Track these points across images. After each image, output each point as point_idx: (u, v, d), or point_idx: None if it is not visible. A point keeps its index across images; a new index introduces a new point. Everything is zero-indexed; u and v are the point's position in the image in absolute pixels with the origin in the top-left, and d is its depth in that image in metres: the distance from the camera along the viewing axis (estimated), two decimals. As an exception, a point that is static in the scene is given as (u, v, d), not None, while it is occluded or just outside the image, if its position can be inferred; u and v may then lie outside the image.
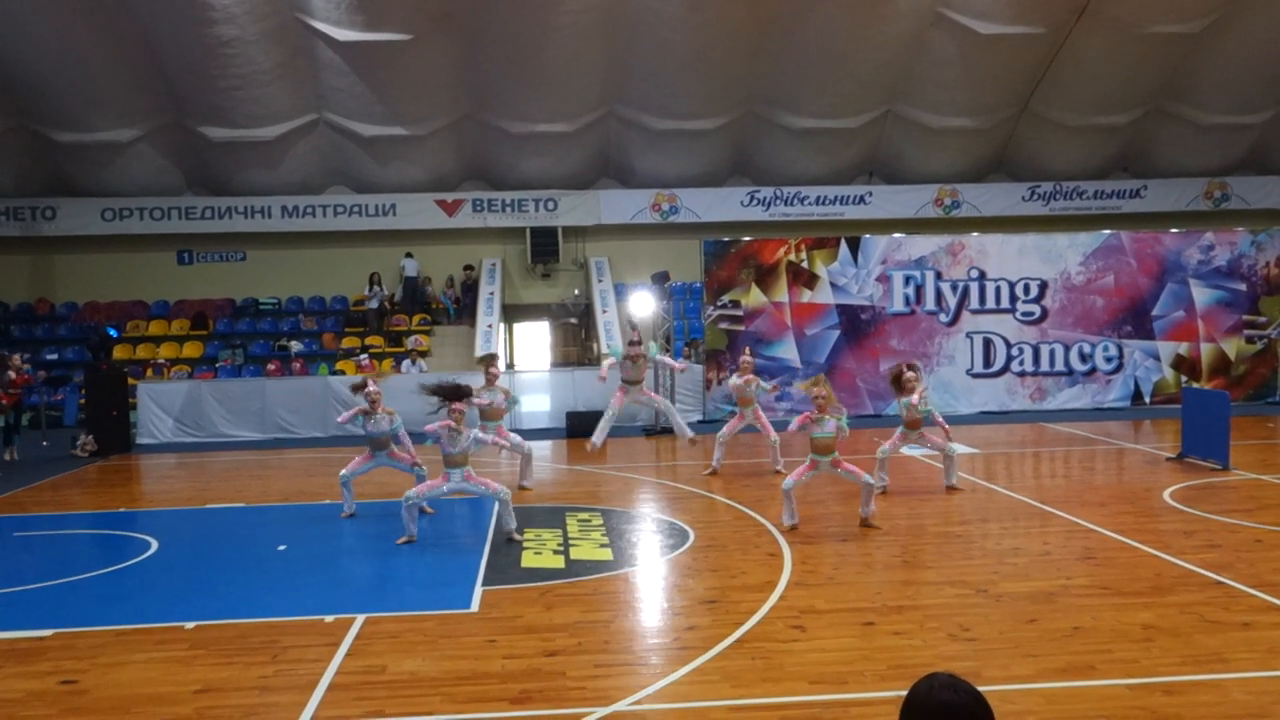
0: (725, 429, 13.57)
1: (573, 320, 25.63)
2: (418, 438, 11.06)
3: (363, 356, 22.32)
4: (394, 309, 24.28)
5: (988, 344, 20.13)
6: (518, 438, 12.85)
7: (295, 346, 23.10)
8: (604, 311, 23.47)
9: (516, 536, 9.88)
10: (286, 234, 24.52)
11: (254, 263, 25.06)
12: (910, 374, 11.59)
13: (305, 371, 22.01)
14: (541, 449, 17.11)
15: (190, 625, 7.41)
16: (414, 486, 10.46)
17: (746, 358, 13.66)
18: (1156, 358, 20.24)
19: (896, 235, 20.93)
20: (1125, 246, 20.31)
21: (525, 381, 20.05)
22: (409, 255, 24.69)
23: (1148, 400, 20.16)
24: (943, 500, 11.51)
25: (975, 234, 21.05)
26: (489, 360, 13.02)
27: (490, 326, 22.79)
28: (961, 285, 20.08)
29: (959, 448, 15.02)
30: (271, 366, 21.68)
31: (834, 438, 10.05)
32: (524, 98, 22.60)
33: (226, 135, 22.68)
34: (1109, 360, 20.22)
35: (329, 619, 7.47)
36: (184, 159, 23.69)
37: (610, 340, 22.27)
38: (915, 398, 11.49)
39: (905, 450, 12.57)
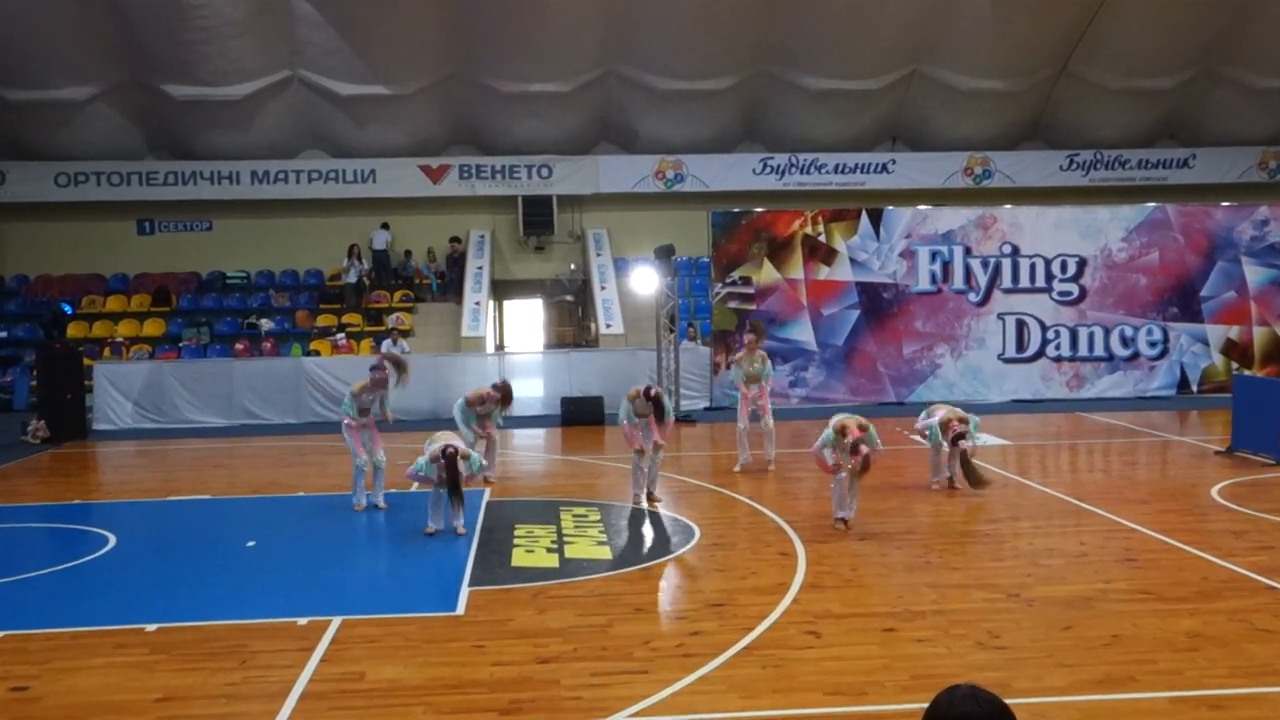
0: (741, 422, 13.43)
1: (568, 298, 25.62)
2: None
3: (339, 336, 22.32)
4: (373, 284, 24.26)
5: (1021, 326, 20.10)
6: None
7: (266, 325, 23.09)
8: (602, 288, 23.45)
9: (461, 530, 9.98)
10: (256, 202, 24.47)
11: (221, 233, 25.03)
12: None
13: (276, 352, 22.01)
14: (534, 438, 17.11)
15: (151, 628, 7.41)
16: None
17: (750, 333, 13.59)
18: (1205, 342, 20.21)
19: (922, 207, 20.87)
20: (1171, 221, 20.25)
21: (516, 364, 20.04)
22: (384, 226, 24.65)
23: (1195, 389, 20.14)
24: (970, 497, 11.50)
25: (1008, 206, 20.99)
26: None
27: (478, 304, 22.79)
28: (993, 262, 20.04)
29: (989, 439, 15.03)
30: (240, 346, 21.68)
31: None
32: (516, 54, 22.52)
33: (191, 93, 22.61)
34: (1153, 345, 20.20)
35: (302, 621, 7.47)
36: (145, 120, 23.62)
37: (609, 320, 22.29)
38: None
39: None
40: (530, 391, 19.55)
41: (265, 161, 24.26)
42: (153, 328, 23.43)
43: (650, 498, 11.34)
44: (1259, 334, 20.25)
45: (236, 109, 23.10)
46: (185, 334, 22.91)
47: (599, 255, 24.63)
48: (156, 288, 24.19)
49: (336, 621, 7.44)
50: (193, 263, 24.90)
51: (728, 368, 19.40)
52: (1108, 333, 20.17)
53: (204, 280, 24.79)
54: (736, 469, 13.27)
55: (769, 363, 13.65)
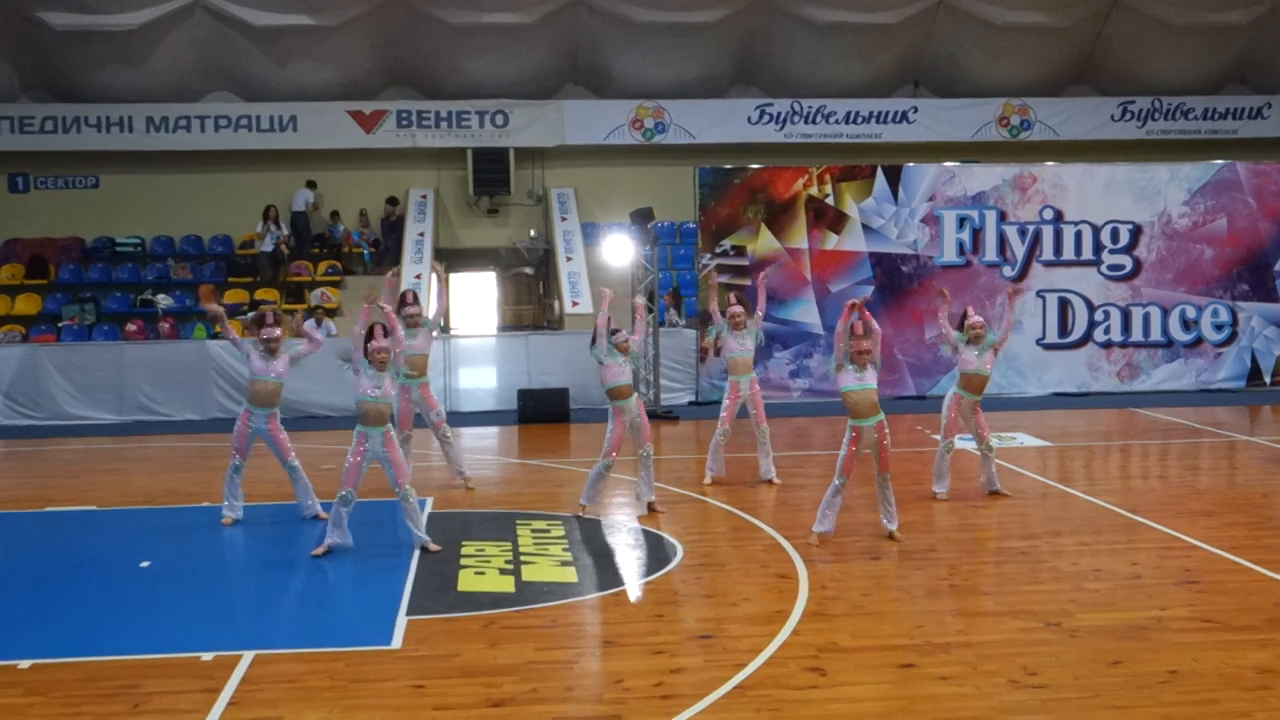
0: (723, 425, 13.04)
1: (527, 270, 25.56)
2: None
3: (252, 315, 22.19)
4: (293, 254, 24.15)
5: (1064, 306, 20.20)
6: (443, 410, 12.88)
7: (164, 301, 22.95)
8: (568, 259, 23.41)
9: (432, 547, 9.96)
10: (153, 154, 24.29)
11: (110, 191, 24.83)
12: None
13: (176, 334, 21.89)
14: (486, 437, 17.09)
15: (25, 664, 7.37)
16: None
17: (735, 306, 13.18)
18: (1280, 325, 20.41)
19: (948, 164, 20.93)
20: (1242, 181, 20.39)
21: (465, 349, 20.01)
22: (310, 184, 24.52)
23: (1267, 380, 20.32)
24: (1003, 507, 11.56)
25: (1050, 163, 21.08)
26: (410, 298, 13.00)
27: (419, 278, 22.70)
28: (1032, 229, 20.12)
29: (1025, 439, 15.11)
30: (132, 327, 21.53)
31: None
32: (466, -22, 22.46)
33: (74, 23, 22.41)
34: (1219, 328, 20.34)
35: (206, 657, 7.45)
36: (18, 54, 23.39)
37: (576, 297, 22.24)
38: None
39: (958, 443, 12.58)
40: (481, 382, 19.52)
41: (164, 105, 24.04)
42: (26, 305, 23.23)
43: (651, 508, 11.44)
44: (1344, 316, 20.45)
45: (129, 42, 22.89)
46: (66, 312, 22.73)
47: (564, 220, 24.57)
48: (31, 256, 23.98)
49: (248, 657, 7.42)
50: (76, 226, 24.68)
51: (716, 354, 19.43)
52: (1166, 314, 20.30)
53: (89, 248, 24.59)
54: (707, 481, 13.04)
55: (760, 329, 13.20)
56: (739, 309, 13.02)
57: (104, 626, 8.21)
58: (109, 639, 7.87)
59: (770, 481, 12.86)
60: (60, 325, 22.41)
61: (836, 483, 10.09)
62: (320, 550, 9.91)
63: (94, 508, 12.37)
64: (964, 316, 12.02)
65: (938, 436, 12.12)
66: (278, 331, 11.24)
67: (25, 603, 8.93)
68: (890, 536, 10.17)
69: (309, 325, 20.48)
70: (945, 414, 11.95)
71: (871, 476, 10.38)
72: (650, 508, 11.44)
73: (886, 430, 10.16)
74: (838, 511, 10.21)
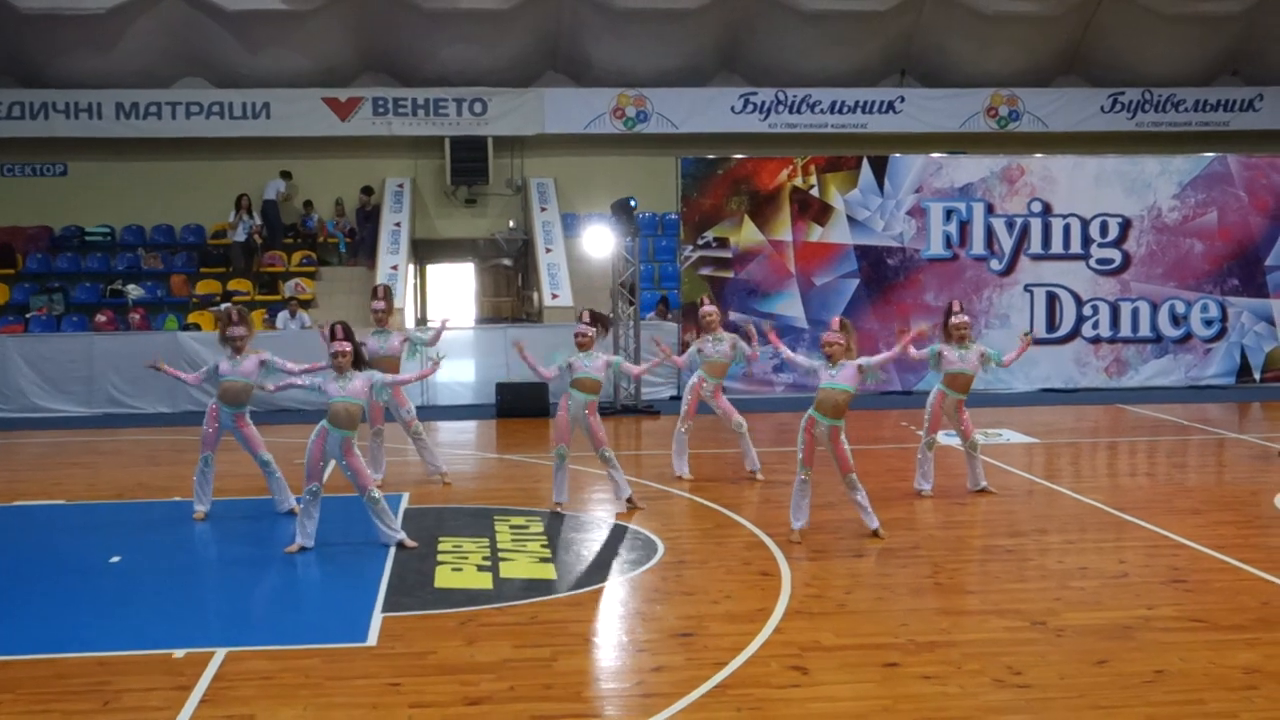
0: (684, 422, 12.90)
1: (506, 262, 25.55)
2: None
3: (224, 306, 22.14)
4: (266, 243, 24.10)
5: (1052, 300, 20.28)
6: (413, 407, 12.82)
7: (134, 292, 22.89)
8: (548, 250, 23.41)
9: (409, 543, 9.94)
10: (122, 141, 24.20)
11: (78, 178, 24.74)
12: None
13: (147, 325, 21.82)
14: (464, 432, 17.09)
15: (-8, 661, 7.38)
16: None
17: (706, 306, 13.02)
18: (1271, 321, 20.50)
19: (935, 155, 20.99)
20: (1234, 174, 20.49)
21: (442, 342, 19.85)
22: (284, 174, 24.45)
23: (1257, 377, 20.44)
24: (989, 504, 11.61)
25: (1039, 155, 21.15)
26: (380, 292, 12.89)
27: (395, 269, 22.69)
28: (1020, 222, 20.20)
29: (1011, 435, 15.17)
30: (102, 318, 21.45)
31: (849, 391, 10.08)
32: (444, -38, 22.42)
33: (42, 6, 22.32)
34: (1209, 324, 20.45)
35: (178, 654, 7.44)
36: (-17, 37, 23.29)
37: (555, 289, 22.22)
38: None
39: (942, 439, 12.65)
40: (459, 375, 19.51)
41: (133, 91, 23.96)
42: (-7, 294, 23.18)
43: (630, 503, 11.41)
44: (1335, 312, 20.57)
45: (98, 26, 22.81)
46: (34, 303, 22.66)
47: (544, 210, 24.56)
48: (-2, 245, 23.90)
49: (220, 654, 7.41)
50: (43, 215, 24.59)
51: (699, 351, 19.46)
52: (1155, 309, 20.40)
53: (57, 237, 24.50)
54: (687, 476, 12.93)
55: (739, 346, 12.83)
56: (711, 309, 12.95)
57: (73, 623, 8.19)
58: (79, 635, 7.85)
59: (753, 475, 12.90)
60: (28, 316, 22.33)
61: (802, 477, 10.12)
62: (293, 548, 9.91)
63: (63, 502, 12.33)
64: (948, 313, 11.86)
65: (921, 432, 12.15)
66: (241, 330, 11.14)
67: (-8, 599, 8.93)
68: (875, 534, 10.20)
69: (282, 318, 20.57)
70: (929, 410, 11.97)
71: (861, 473, 10.38)
72: (629, 503, 11.45)
73: (842, 437, 10.09)
74: (809, 503, 10.23)
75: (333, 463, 9.99)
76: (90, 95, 23.88)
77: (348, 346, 9.86)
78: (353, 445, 9.94)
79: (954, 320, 11.71)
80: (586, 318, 11.35)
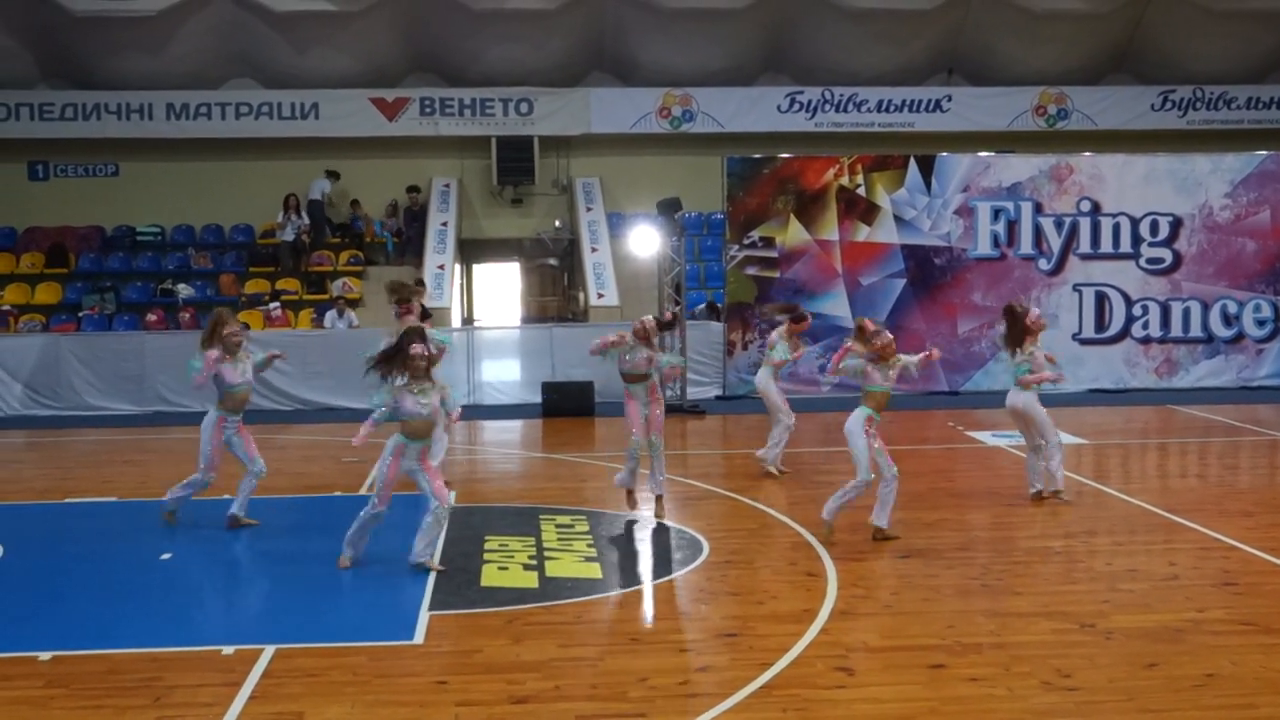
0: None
1: (552, 262, 25.57)
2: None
3: (274, 305, 22.29)
4: (314, 243, 24.25)
5: (1101, 300, 20.12)
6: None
7: (184, 291, 23.07)
8: (594, 250, 23.44)
9: (435, 567, 9.36)
10: (173, 141, 24.40)
11: (130, 179, 24.97)
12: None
13: (196, 324, 21.97)
14: (509, 431, 17.13)
15: (46, 656, 7.44)
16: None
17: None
18: (1325, 321, 20.28)
19: (983, 154, 20.86)
20: (1287, 173, 20.28)
21: (488, 341, 20.05)
22: (330, 174, 24.57)
23: (1311, 378, 20.20)
24: (1037, 506, 11.54)
25: (1088, 154, 20.98)
26: (402, 291, 12.10)
27: (442, 268, 22.76)
28: (1069, 221, 20.04)
29: (1061, 436, 15.04)
30: (153, 317, 21.64)
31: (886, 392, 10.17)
32: (490, -37, 22.49)
33: (94, 9, 22.52)
34: (1261, 324, 20.23)
35: (228, 650, 7.50)
36: (37, 40, 23.53)
37: (601, 289, 22.23)
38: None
39: (991, 440, 12.57)
40: (504, 374, 19.56)
41: (184, 93, 24.15)
42: (46, 294, 23.40)
43: (658, 504, 11.08)
44: (1390, 312, 20.30)
45: (149, 28, 23.00)
46: (86, 301, 22.89)
47: (589, 210, 24.58)
48: (51, 245, 24.14)
49: (269, 651, 7.47)
50: (96, 215, 24.84)
51: (744, 348, 19.46)
52: (1206, 309, 20.19)
53: (109, 236, 24.74)
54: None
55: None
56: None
57: (125, 619, 8.28)
58: (130, 631, 7.94)
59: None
60: (80, 315, 22.56)
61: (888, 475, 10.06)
62: (345, 563, 9.51)
63: (114, 499, 12.48)
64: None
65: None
66: (238, 328, 10.86)
67: (45, 594, 9.00)
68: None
69: (330, 317, 20.63)
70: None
71: (908, 473, 10.37)
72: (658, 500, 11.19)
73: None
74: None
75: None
76: (141, 96, 24.09)
77: (426, 349, 9.33)
78: (428, 453, 9.66)
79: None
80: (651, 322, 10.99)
